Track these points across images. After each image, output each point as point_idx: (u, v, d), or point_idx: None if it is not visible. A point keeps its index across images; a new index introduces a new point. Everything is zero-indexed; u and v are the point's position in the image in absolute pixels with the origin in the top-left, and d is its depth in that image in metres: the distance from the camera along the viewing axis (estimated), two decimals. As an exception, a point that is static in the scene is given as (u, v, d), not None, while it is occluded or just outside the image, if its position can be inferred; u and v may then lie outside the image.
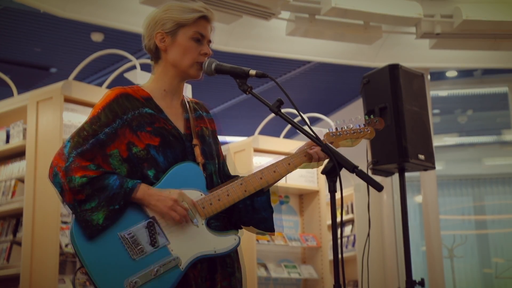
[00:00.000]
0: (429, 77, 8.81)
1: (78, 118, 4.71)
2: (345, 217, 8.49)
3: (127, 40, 8.07)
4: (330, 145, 2.35)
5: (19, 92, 5.33)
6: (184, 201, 2.25)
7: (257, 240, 6.14)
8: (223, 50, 7.67)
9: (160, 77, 2.43)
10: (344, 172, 2.27)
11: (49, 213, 4.49)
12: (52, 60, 8.84)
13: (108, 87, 5.26)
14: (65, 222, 4.60)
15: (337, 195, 2.33)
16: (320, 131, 2.38)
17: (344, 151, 2.38)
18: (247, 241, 5.92)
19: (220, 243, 2.27)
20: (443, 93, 10.50)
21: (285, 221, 6.49)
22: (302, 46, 8.01)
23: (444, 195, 11.85)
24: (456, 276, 11.18)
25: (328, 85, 10.32)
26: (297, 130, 2.36)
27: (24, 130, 4.83)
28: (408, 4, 7.29)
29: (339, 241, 2.25)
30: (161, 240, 2.23)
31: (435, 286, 8.18)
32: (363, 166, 2.52)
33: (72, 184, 2.19)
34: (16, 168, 4.93)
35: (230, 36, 7.66)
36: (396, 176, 3.90)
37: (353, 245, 8.35)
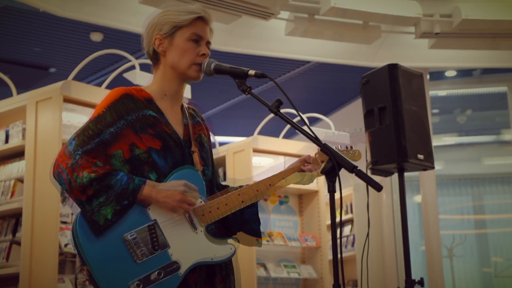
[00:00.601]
0: (428, 76, 8.82)
1: (77, 118, 4.71)
2: (344, 217, 8.49)
3: (127, 40, 8.07)
4: (328, 145, 2.36)
5: (18, 92, 5.33)
6: (190, 189, 2.27)
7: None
8: (222, 50, 7.67)
9: (161, 80, 2.43)
10: (343, 172, 2.28)
11: (48, 213, 4.50)
12: (51, 60, 8.84)
13: (108, 87, 5.27)
14: (64, 222, 4.60)
15: (337, 195, 2.33)
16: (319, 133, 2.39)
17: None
18: (247, 241, 5.92)
19: (218, 251, 2.30)
20: (442, 92, 10.51)
21: (285, 221, 6.49)
22: (301, 46, 8.02)
23: (444, 194, 11.86)
24: (455, 275, 11.19)
25: (327, 85, 10.33)
26: (296, 130, 2.36)
27: (23, 130, 4.83)
28: (407, 3, 7.29)
29: (338, 241, 2.25)
30: (162, 244, 2.23)
31: (435, 285, 8.18)
32: (362, 166, 2.52)
33: (80, 180, 2.18)
34: (15, 168, 4.93)
35: (229, 36, 7.66)
36: (395, 176, 3.89)
37: (353, 245, 8.35)
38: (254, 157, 6.20)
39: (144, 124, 2.31)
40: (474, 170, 12.38)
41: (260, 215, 2.50)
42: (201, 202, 2.31)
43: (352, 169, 2.25)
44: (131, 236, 2.20)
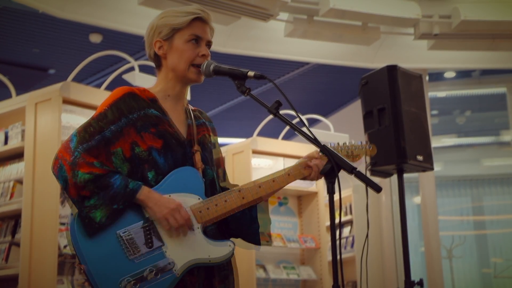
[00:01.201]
0: (427, 78, 8.82)
1: (76, 119, 4.71)
2: (343, 218, 8.49)
3: (126, 42, 8.07)
4: (328, 146, 2.35)
5: (17, 94, 5.33)
6: (181, 214, 2.24)
7: (256, 241, 6.14)
8: (221, 52, 7.67)
9: (163, 82, 2.43)
10: (342, 174, 2.28)
11: (48, 214, 4.49)
12: (50, 61, 8.84)
13: (107, 88, 5.26)
14: (63, 223, 4.60)
15: (336, 197, 2.33)
16: (318, 134, 2.37)
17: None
18: (246, 242, 5.92)
19: (215, 251, 2.27)
20: (441, 94, 10.51)
21: (284, 222, 6.49)
22: (300, 48, 8.02)
23: (443, 196, 11.86)
24: (455, 276, 11.20)
25: (327, 87, 10.32)
26: (296, 132, 2.36)
27: (23, 131, 4.82)
28: (406, 5, 7.29)
29: (337, 242, 2.24)
30: (156, 242, 2.23)
31: (434, 286, 8.18)
32: (361, 168, 2.52)
33: (76, 179, 2.19)
34: (14, 169, 4.93)
35: (229, 38, 7.66)
36: (394, 177, 3.90)
37: (352, 246, 8.35)
38: (253, 159, 6.20)
39: (146, 123, 2.31)
40: (473, 171, 12.39)
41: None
42: (198, 199, 2.29)
43: (351, 170, 2.25)
44: (125, 233, 2.21)
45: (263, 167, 6.29)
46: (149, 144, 2.29)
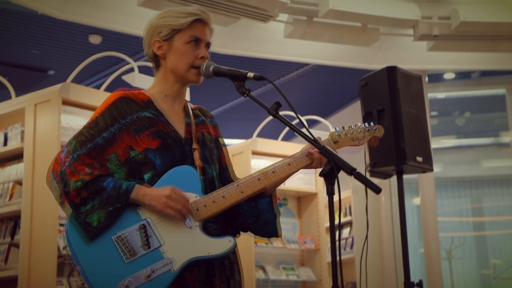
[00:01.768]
0: (427, 79, 8.82)
1: (76, 120, 4.70)
2: (343, 220, 8.49)
3: (125, 43, 8.07)
4: (328, 147, 2.34)
5: (17, 95, 5.33)
6: (176, 195, 2.23)
7: (255, 243, 6.14)
8: (221, 52, 7.67)
9: (161, 83, 2.43)
10: (342, 175, 2.27)
11: (47, 215, 4.49)
12: (50, 63, 8.84)
13: (106, 89, 5.26)
14: (62, 225, 4.59)
15: (335, 198, 2.33)
16: (318, 135, 2.37)
17: (341, 153, 2.37)
18: (245, 243, 5.93)
19: (214, 246, 2.25)
20: (441, 95, 10.52)
21: (284, 223, 6.49)
22: (300, 49, 8.02)
23: (442, 197, 11.86)
24: (454, 277, 11.20)
25: (326, 88, 10.33)
26: (295, 133, 2.36)
27: (22, 132, 4.82)
28: (406, 6, 7.29)
29: (337, 243, 2.24)
30: (154, 243, 2.22)
31: (433, 287, 8.18)
32: (361, 169, 2.51)
33: (68, 188, 2.21)
34: (14, 170, 4.93)
35: (228, 39, 7.66)
36: (394, 178, 3.90)
37: (351, 247, 8.35)
38: (253, 160, 6.20)
39: (139, 126, 2.31)
40: (473, 172, 12.39)
41: None
42: (196, 197, 2.28)
43: (351, 171, 2.25)
44: (120, 236, 2.21)
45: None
46: (144, 146, 2.29)
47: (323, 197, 6.56)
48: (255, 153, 6.24)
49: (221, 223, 2.35)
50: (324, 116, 9.34)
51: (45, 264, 4.42)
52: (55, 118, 4.59)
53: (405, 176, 3.85)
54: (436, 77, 9.88)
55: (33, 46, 8.38)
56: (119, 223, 2.22)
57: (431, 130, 7.38)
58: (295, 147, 6.50)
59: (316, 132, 2.53)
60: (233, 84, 2.35)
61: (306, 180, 6.53)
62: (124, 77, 5.56)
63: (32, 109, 4.73)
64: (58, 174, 2.23)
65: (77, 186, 2.20)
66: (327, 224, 5.50)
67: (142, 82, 5.33)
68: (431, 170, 3.91)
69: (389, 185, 8.67)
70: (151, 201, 2.22)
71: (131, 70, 5.61)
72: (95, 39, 8.19)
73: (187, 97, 2.53)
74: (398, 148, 3.71)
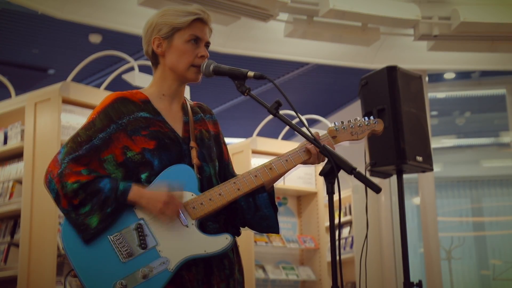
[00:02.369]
0: (427, 79, 8.82)
1: (76, 119, 4.70)
2: (343, 219, 8.49)
3: (125, 42, 8.07)
4: (328, 146, 2.34)
5: (17, 94, 5.33)
6: (173, 188, 2.23)
7: (255, 242, 6.14)
8: (221, 52, 7.67)
9: (159, 81, 2.43)
10: (342, 174, 2.27)
11: (47, 215, 4.49)
12: (50, 62, 8.84)
13: (107, 88, 5.26)
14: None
15: (335, 197, 2.32)
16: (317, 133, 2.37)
17: (341, 152, 2.37)
18: (245, 242, 5.93)
19: (211, 244, 2.24)
20: (441, 95, 10.51)
21: (283, 222, 6.49)
22: (300, 48, 8.02)
23: (442, 197, 11.86)
24: (453, 278, 11.20)
25: (326, 87, 10.33)
26: (295, 132, 2.35)
27: (22, 131, 4.82)
28: (406, 6, 7.29)
29: (337, 242, 2.23)
30: (150, 242, 2.22)
31: (433, 287, 8.18)
32: (361, 168, 2.51)
33: (65, 190, 2.21)
34: (14, 169, 4.93)
35: (228, 38, 7.66)
36: (394, 178, 3.90)
37: (351, 246, 8.35)
38: (253, 159, 6.19)
39: (136, 127, 2.31)
40: (473, 172, 12.39)
41: None
42: (192, 195, 2.28)
43: (351, 170, 2.25)
44: (116, 236, 2.21)
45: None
46: (141, 147, 2.29)
47: (323, 197, 6.56)
48: (255, 152, 6.24)
49: (221, 222, 2.35)
50: (324, 115, 9.34)
51: (45, 263, 4.42)
52: (55, 117, 4.59)
53: (405, 176, 3.85)
54: (436, 77, 9.87)
55: (33, 46, 8.38)
56: (116, 224, 2.22)
57: (431, 130, 7.38)
58: (295, 146, 6.50)
59: (316, 132, 2.52)
60: (234, 83, 2.35)
61: (306, 180, 6.53)
62: (124, 76, 5.56)
63: (32, 108, 4.73)
64: (55, 176, 2.22)
65: (74, 188, 2.20)
66: (327, 223, 5.50)
67: (142, 81, 5.34)
68: (431, 170, 3.91)
69: (389, 184, 8.67)
70: (148, 204, 2.22)
71: (131, 69, 5.61)
72: (95, 39, 8.19)
73: (187, 96, 2.53)
74: (398, 148, 3.71)
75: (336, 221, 2.29)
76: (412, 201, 11.28)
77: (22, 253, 4.52)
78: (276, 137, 6.89)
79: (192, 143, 2.37)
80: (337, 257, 2.24)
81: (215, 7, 6.47)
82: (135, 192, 2.23)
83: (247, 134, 7.49)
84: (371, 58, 8.32)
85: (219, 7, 6.54)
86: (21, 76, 8.92)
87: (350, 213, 8.52)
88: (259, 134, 6.66)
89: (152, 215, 2.24)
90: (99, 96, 4.72)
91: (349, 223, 8.54)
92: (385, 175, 3.96)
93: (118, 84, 4.92)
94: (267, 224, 2.43)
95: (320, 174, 2.31)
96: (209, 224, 2.30)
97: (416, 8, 7.29)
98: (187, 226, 2.25)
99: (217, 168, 2.43)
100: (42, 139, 4.63)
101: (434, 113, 10.82)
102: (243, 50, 7.87)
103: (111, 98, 2.35)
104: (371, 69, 7.42)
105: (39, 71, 9.02)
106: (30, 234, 4.52)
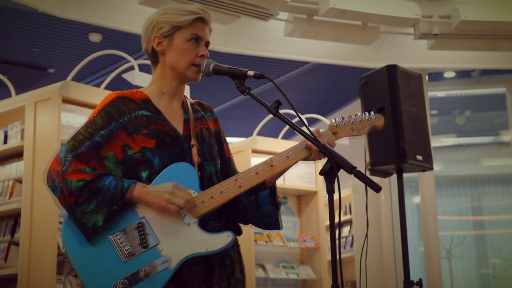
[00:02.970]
0: (427, 77, 8.82)
1: (76, 118, 4.70)
2: (343, 218, 8.49)
3: (125, 41, 8.07)
4: (328, 146, 2.34)
5: (17, 93, 5.33)
6: (180, 189, 2.24)
7: (255, 241, 6.14)
8: (221, 51, 7.67)
9: (159, 80, 2.43)
10: (342, 173, 2.27)
11: (47, 214, 4.49)
12: (50, 61, 8.84)
13: (107, 88, 5.26)
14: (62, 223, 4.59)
15: (335, 196, 2.32)
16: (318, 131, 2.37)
17: (342, 152, 2.37)
18: (245, 241, 5.93)
19: (212, 242, 2.24)
20: (441, 93, 10.51)
21: (283, 221, 6.47)
22: (300, 47, 8.02)
23: (442, 195, 11.86)
24: (454, 276, 11.19)
25: (326, 86, 10.33)
26: (295, 131, 2.35)
27: (22, 130, 4.82)
28: (406, 4, 7.29)
29: (337, 242, 2.24)
30: (151, 241, 2.22)
31: (433, 286, 8.18)
32: (361, 167, 2.51)
33: (70, 188, 2.20)
34: (14, 168, 4.93)
35: (228, 37, 7.66)
36: (394, 177, 3.89)
37: (351, 246, 8.35)
38: (253, 158, 6.19)
39: (137, 125, 2.31)
40: (473, 171, 12.38)
41: None
42: (193, 193, 2.28)
43: (351, 170, 2.25)
44: (117, 236, 2.21)
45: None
46: (142, 145, 2.29)
47: (323, 196, 6.56)
48: (255, 151, 6.24)
49: (223, 221, 2.35)
50: (324, 114, 9.34)
51: (45, 262, 4.42)
52: (55, 116, 4.59)
53: (405, 175, 3.85)
54: (436, 76, 9.87)
55: (33, 44, 8.38)
56: (116, 222, 2.22)
57: (431, 128, 7.38)
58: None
59: (316, 131, 2.51)
60: (233, 83, 2.35)
61: (306, 179, 6.53)
62: (124, 75, 5.55)
63: (32, 107, 4.72)
64: (59, 174, 2.22)
65: (80, 186, 2.20)
66: (327, 222, 5.50)
67: (142, 81, 5.33)
68: (431, 168, 3.90)
69: (389, 183, 8.68)
70: (154, 198, 2.22)
71: (131, 68, 5.60)
72: (95, 38, 8.19)
73: (187, 95, 2.53)
74: (398, 147, 3.71)
75: (336, 220, 2.29)
76: (412, 200, 11.28)
77: (22, 252, 4.52)
78: (276, 137, 6.88)
79: (193, 141, 2.37)
80: (337, 256, 2.24)
81: (215, 6, 6.47)
82: (140, 188, 2.23)
83: (247, 134, 7.49)
84: (371, 57, 8.32)
85: (219, 6, 6.54)
86: (21, 75, 8.92)
87: (350, 212, 8.52)
88: (259, 134, 6.66)
89: (155, 212, 2.23)
90: (99, 95, 4.72)
91: (349, 222, 8.54)
92: (385, 174, 3.96)
93: (118, 83, 4.91)
94: (270, 221, 2.44)
95: (320, 173, 2.31)
96: (210, 223, 2.31)
97: (416, 6, 7.29)
98: (189, 225, 2.25)
99: (219, 166, 2.43)
100: (42, 138, 4.63)
101: (434, 112, 10.82)
102: (243, 49, 7.87)
103: (111, 97, 2.35)
104: (371, 68, 7.42)
105: (39, 70, 9.02)
106: (30, 233, 4.52)
